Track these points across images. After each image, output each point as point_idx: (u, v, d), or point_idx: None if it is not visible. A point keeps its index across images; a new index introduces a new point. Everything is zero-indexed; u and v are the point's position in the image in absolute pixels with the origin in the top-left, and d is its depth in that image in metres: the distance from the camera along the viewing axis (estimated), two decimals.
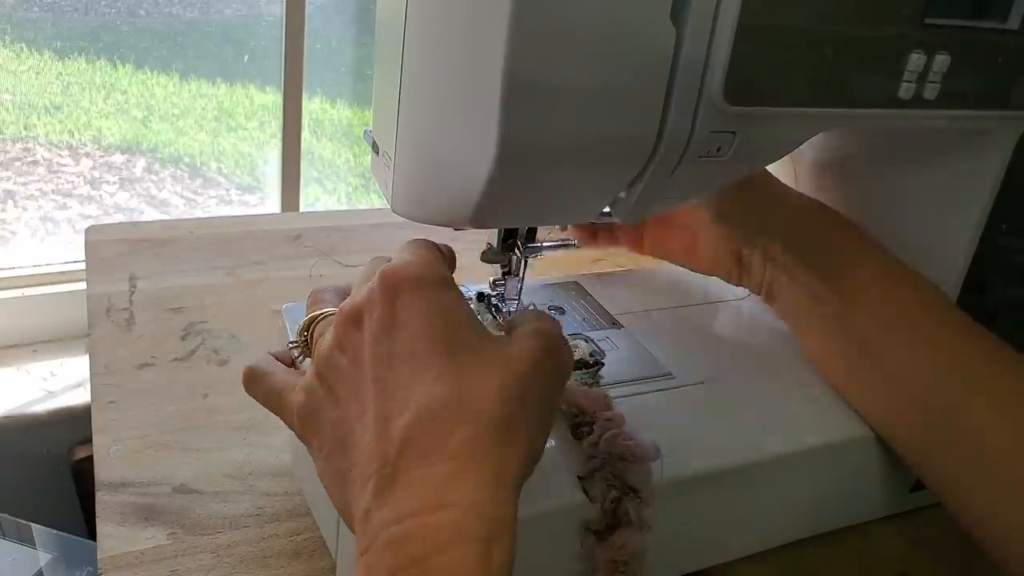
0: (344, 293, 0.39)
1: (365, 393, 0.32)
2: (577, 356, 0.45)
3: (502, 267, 0.47)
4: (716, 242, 0.52)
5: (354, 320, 0.33)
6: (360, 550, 0.30)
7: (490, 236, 0.46)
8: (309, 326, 0.38)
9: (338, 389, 0.33)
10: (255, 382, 0.39)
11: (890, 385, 0.45)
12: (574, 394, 0.42)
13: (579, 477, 0.39)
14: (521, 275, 0.46)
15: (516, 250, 0.45)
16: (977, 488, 0.42)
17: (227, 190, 1.42)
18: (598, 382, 0.45)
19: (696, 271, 0.55)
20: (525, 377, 0.32)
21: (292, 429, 0.36)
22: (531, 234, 0.46)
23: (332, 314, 0.37)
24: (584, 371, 0.45)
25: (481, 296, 0.47)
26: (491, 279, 0.47)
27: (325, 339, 0.35)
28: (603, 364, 0.46)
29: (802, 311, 0.49)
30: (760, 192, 0.51)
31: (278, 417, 0.38)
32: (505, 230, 0.45)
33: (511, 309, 0.48)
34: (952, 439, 0.42)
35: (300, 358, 0.40)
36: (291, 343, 0.40)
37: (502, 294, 0.47)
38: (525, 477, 0.32)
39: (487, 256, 0.45)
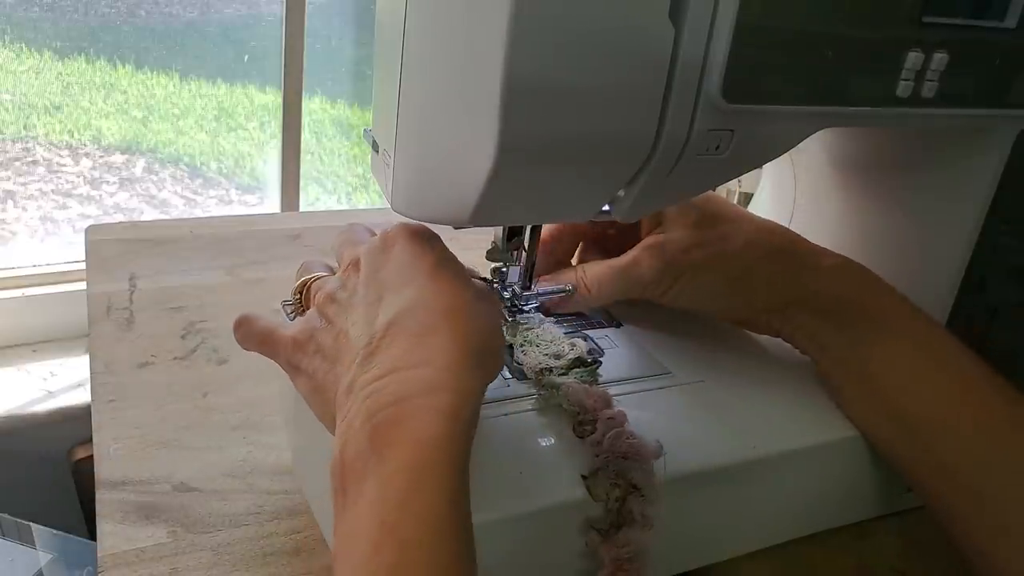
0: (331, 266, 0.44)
1: (358, 308, 0.36)
2: (575, 355, 0.46)
3: (506, 265, 0.47)
4: (737, 298, 0.49)
5: (355, 266, 0.39)
6: (342, 416, 0.33)
7: (495, 235, 0.46)
8: (303, 288, 0.42)
9: (335, 315, 0.37)
10: (247, 324, 0.41)
11: (922, 451, 0.44)
12: (576, 392, 0.42)
13: (583, 476, 0.39)
14: (523, 262, 0.46)
15: (520, 248, 0.46)
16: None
17: (227, 190, 1.43)
18: (597, 380, 0.45)
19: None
20: (492, 298, 0.39)
21: (282, 363, 0.39)
22: (535, 232, 0.46)
23: (324, 276, 0.42)
24: (583, 369, 0.45)
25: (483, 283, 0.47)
26: (492, 267, 0.47)
27: (328, 284, 0.39)
28: (601, 363, 0.46)
29: (829, 378, 0.48)
30: (788, 256, 0.47)
31: (266, 356, 0.40)
32: (509, 229, 0.45)
33: (514, 292, 0.48)
34: (983, 514, 0.41)
35: (292, 316, 0.43)
36: (285, 302, 0.43)
37: (503, 281, 0.47)
38: (491, 377, 0.36)
39: (492, 255, 0.46)
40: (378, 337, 0.34)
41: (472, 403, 0.33)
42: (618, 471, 0.39)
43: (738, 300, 0.48)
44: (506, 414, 0.42)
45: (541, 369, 0.44)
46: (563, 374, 0.44)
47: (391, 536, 0.29)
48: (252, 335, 0.41)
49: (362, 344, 0.34)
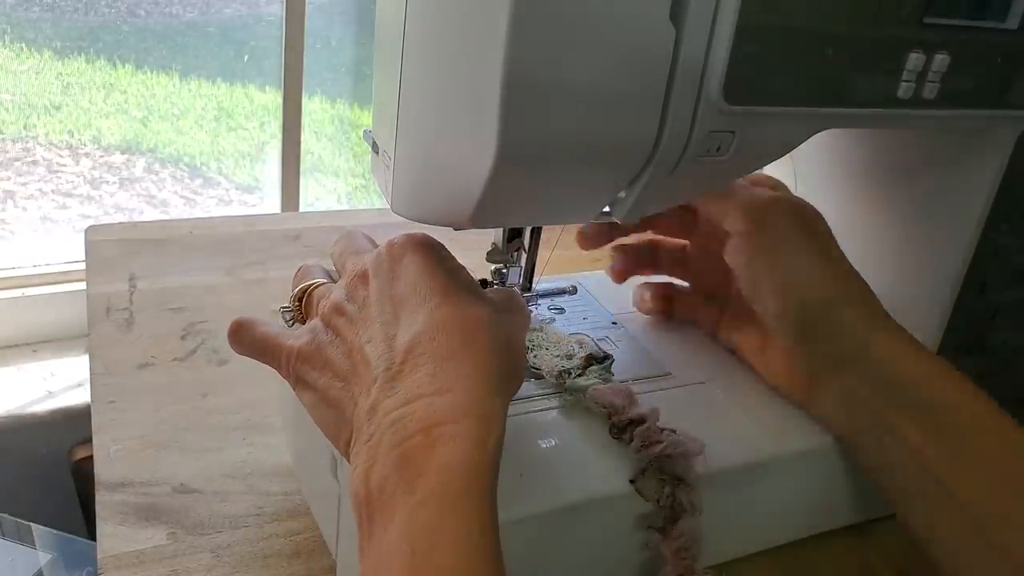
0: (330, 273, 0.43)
1: (372, 325, 0.35)
2: (587, 352, 0.46)
3: (506, 266, 0.47)
4: (790, 354, 0.46)
5: (361, 278, 0.38)
6: (364, 439, 0.33)
7: (495, 236, 0.46)
8: (302, 295, 0.41)
9: (345, 330, 0.37)
10: (246, 330, 0.40)
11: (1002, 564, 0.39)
12: (602, 394, 0.42)
13: (631, 480, 0.40)
14: (523, 263, 0.46)
15: (521, 249, 0.46)
16: None
17: (227, 190, 1.43)
18: (612, 376, 0.45)
19: (764, 379, 0.48)
20: (515, 308, 0.39)
21: (284, 373, 0.38)
22: (535, 233, 0.46)
23: (324, 283, 0.41)
24: (599, 366, 0.45)
25: (484, 283, 0.47)
26: (492, 268, 0.47)
27: (333, 295, 0.38)
28: (613, 359, 0.46)
29: (902, 474, 0.42)
30: (853, 311, 0.44)
31: (264, 363, 0.40)
32: (509, 230, 0.45)
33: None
34: None
35: (290, 323, 0.42)
36: (283, 308, 0.42)
37: (503, 283, 0.47)
38: (513, 393, 0.36)
39: (492, 256, 0.46)
40: (399, 361, 0.34)
41: (498, 426, 0.33)
42: (663, 468, 0.40)
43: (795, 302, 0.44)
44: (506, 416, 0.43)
45: (559, 372, 0.44)
46: (580, 374, 0.44)
47: (426, 564, 0.29)
48: (250, 342, 0.40)
49: (382, 367, 0.34)
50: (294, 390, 0.38)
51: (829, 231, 0.46)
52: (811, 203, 0.47)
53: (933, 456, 0.41)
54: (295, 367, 0.38)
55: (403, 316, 0.35)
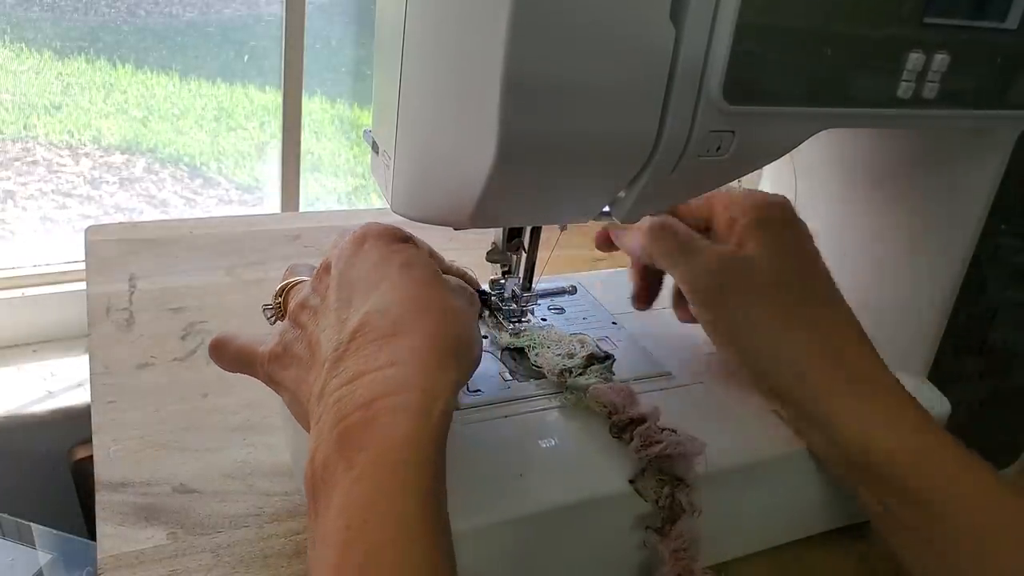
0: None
1: (328, 313, 0.35)
2: (588, 351, 0.46)
3: (502, 267, 0.47)
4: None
5: (325, 270, 0.38)
6: (314, 423, 0.32)
7: (495, 236, 0.46)
8: (283, 292, 0.41)
9: (308, 323, 0.36)
10: (224, 346, 0.40)
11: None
12: (603, 393, 0.42)
13: (630, 481, 0.40)
14: (521, 271, 0.46)
15: (520, 248, 0.46)
16: None
17: (227, 190, 1.42)
18: (613, 375, 0.45)
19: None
20: (468, 295, 0.39)
21: (262, 378, 0.38)
22: (535, 233, 0.46)
23: (303, 281, 0.41)
24: (600, 365, 0.45)
25: (482, 295, 0.47)
26: (490, 279, 0.47)
27: (302, 291, 0.38)
28: (614, 358, 0.46)
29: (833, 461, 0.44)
30: (816, 376, 0.43)
31: (247, 374, 0.40)
32: (509, 230, 0.45)
33: (511, 307, 0.48)
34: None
35: (272, 320, 0.42)
36: (265, 306, 0.43)
37: (502, 293, 0.47)
38: (468, 375, 0.36)
39: (492, 256, 0.46)
40: (346, 341, 0.33)
41: (444, 401, 0.32)
42: (662, 469, 0.40)
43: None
44: (506, 416, 0.43)
45: (561, 371, 0.44)
46: (581, 373, 0.44)
47: (359, 538, 0.28)
48: (229, 357, 0.40)
49: (331, 349, 0.33)
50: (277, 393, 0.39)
51: (810, 269, 0.44)
52: (810, 204, 0.47)
53: (892, 525, 0.41)
54: (268, 370, 0.38)
55: (355, 299, 0.35)
